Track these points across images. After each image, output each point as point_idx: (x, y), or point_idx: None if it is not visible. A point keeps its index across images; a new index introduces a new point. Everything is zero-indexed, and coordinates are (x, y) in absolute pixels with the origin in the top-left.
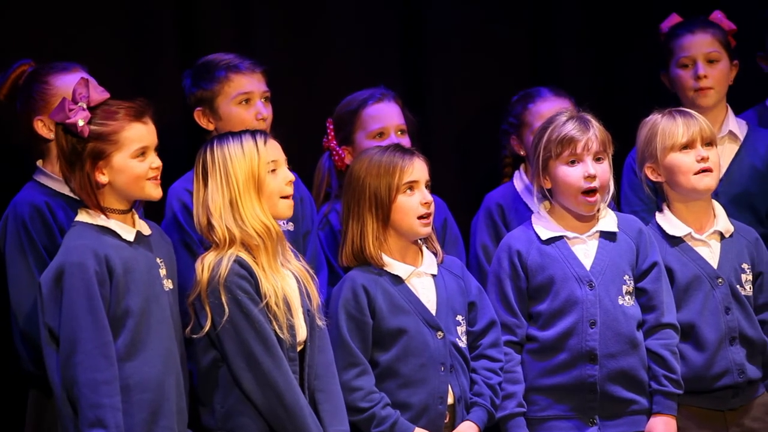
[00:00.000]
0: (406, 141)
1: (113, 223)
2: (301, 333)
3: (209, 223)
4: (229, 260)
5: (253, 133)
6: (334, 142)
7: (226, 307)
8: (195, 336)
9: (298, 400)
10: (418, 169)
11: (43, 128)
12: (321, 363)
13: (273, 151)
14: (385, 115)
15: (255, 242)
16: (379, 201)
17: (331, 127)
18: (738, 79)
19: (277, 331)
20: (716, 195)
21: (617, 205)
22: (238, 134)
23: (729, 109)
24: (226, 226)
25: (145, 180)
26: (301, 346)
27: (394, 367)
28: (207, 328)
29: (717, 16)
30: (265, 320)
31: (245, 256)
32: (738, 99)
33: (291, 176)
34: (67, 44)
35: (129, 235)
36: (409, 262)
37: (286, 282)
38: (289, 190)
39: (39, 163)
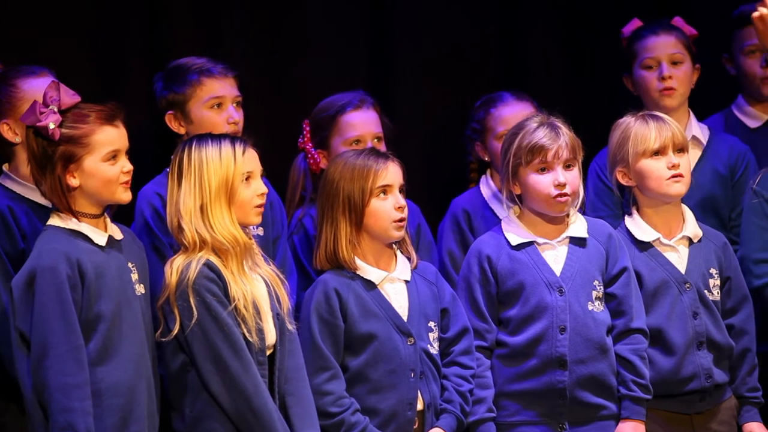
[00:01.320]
0: (382, 149)
1: (85, 227)
2: (270, 337)
3: (179, 226)
4: (198, 263)
5: (234, 139)
6: (310, 144)
7: (194, 310)
8: (164, 339)
9: (266, 403)
10: (392, 173)
11: (9, 132)
12: (291, 367)
13: (250, 161)
14: (363, 123)
15: (224, 248)
16: (352, 204)
17: (308, 128)
18: (703, 84)
19: (246, 334)
20: (682, 200)
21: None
22: (218, 138)
23: (691, 113)
24: (196, 230)
25: (117, 184)
26: (271, 350)
27: (364, 372)
28: (176, 331)
29: (678, 21)
30: (233, 323)
31: (214, 259)
32: (703, 105)
33: (264, 188)
34: (34, 48)
35: (101, 239)
36: (382, 266)
37: (255, 286)
38: (260, 202)
39: (5, 167)
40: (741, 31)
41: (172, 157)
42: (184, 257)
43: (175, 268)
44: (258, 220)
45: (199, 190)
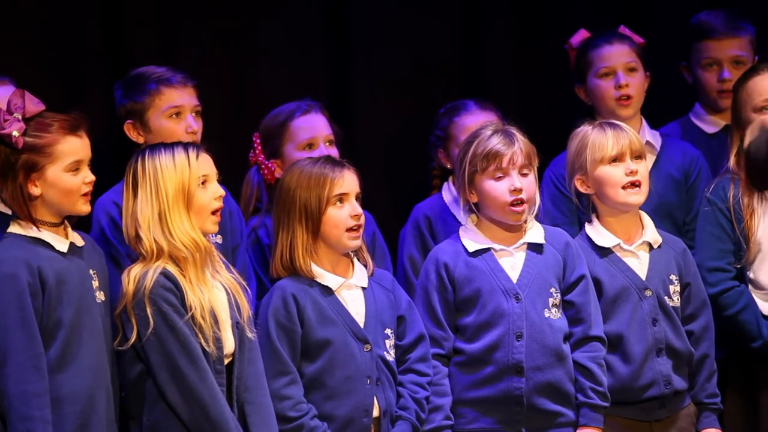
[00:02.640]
0: (334, 152)
1: (46, 235)
2: (229, 345)
3: (137, 235)
4: (154, 272)
5: (186, 145)
6: (262, 156)
7: (150, 319)
8: (121, 348)
9: (223, 412)
10: (348, 181)
11: None
12: (251, 375)
13: (204, 165)
14: (314, 126)
15: (183, 255)
16: (309, 213)
17: (258, 141)
18: (659, 92)
19: (203, 343)
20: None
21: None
22: (170, 146)
23: (644, 120)
24: (153, 238)
25: (78, 195)
26: (229, 359)
27: (320, 378)
28: (133, 340)
29: (624, 30)
30: (190, 333)
31: (172, 268)
32: (659, 112)
33: (221, 191)
34: None
35: (62, 246)
36: (339, 273)
37: (214, 294)
38: (218, 205)
39: None
40: (699, 44)
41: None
42: (141, 266)
43: (132, 276)
44: (215, 228)
45: (156, 197)
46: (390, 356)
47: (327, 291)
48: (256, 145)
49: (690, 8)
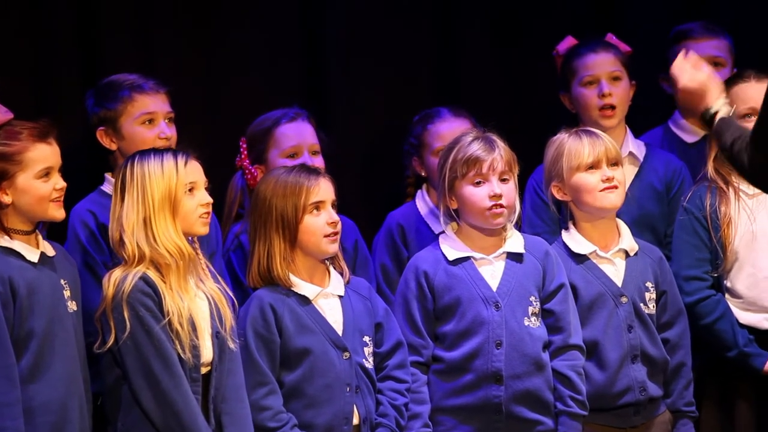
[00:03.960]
0: (319, 161)
1: (17, 244)
2: (206, 354)
3: (121, 239)
4: (134, 277)
5: (175, 152)
6: (247, 161)
7: (128, 322)
8: (99, 351)
9: (197, 420)
10: (324, 189)
11: None
12: (230, 386)
13: (193, 172)
14: (299, 134)
15: (166, 261)
16: (286, 222)
17: (244, 146)
18: (642, 100)
19: (179, 350)
20: (618, 215)
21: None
22: (160, 152)
23: (628, 130)
24: (136, 243)
25: (49, 201)
26: (207, 368)
27: (300, 387)
28: (110, 343)
29: (611, 38)
30: (166, 338)
31: (152, 273)
32: (641, 120)
33: (208, 198)
34: None
35: (33, 256)
36: (316, 282)
37: (195, 302)
38: (205, 211)
39: None
40: (678, 47)
41: (106, 174)
42: (122, 270)
43: (112, 280)
44: (205, 230)
45: (143, 203)
46: (368, 364)
47: (304, 300)
48: (242, 149)
49: (672, 20)
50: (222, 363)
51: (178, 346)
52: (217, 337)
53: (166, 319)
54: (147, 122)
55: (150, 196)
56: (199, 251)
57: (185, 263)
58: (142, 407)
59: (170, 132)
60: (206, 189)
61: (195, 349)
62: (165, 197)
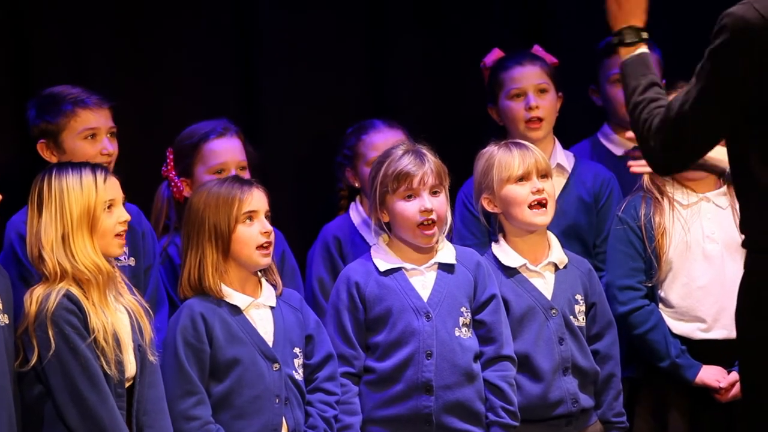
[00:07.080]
0: (246, 177)
1: None
2: (130, 369)
3: (40, 256)
4: (57, 294)
5: (94, 168)
6: (173, 173)
7: (52, 341)
8: (22, 370)
9: None
10: (257, 199)
11: None
12: (151, 398)
13: (111, 188)
14: (226, 151)
15: (86, 277)
16: (218, 232)
17: (171, 156)
18: (569, 111)
19: (105, 367)
20: (547, 227)
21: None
22: (78, 166)
23: (556, 141)
24: (57, 260)
25: None
26: (130, 382)
27: (229, 398)
28: (33, 361)
29: (538, 50)
30: (92, 356)
31: (75, 290)
32: (569, 132)
33: (126, 216)
34: None
35: None
36: (248, 293)
37: (117, 317)
38: (122, 229)
39: None
40: (608, 60)
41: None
42: (44, 287)
43: (34, 298)
44: (119, 251)
45: (61, 219)
46: (298, 375)
47: (235, 310)
48: (168, 159)
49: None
50: (143, 376)
51: (104, 362)
52: (139, 351)
53: (92, 337)
54: (89, 137)
55: (68, 213)
56: (114, 264)
57: (104, 280)
58: (67, 425)
59: (112, 148)
60: (124, 204)
61: (120, 365)
62: (83, 214)
